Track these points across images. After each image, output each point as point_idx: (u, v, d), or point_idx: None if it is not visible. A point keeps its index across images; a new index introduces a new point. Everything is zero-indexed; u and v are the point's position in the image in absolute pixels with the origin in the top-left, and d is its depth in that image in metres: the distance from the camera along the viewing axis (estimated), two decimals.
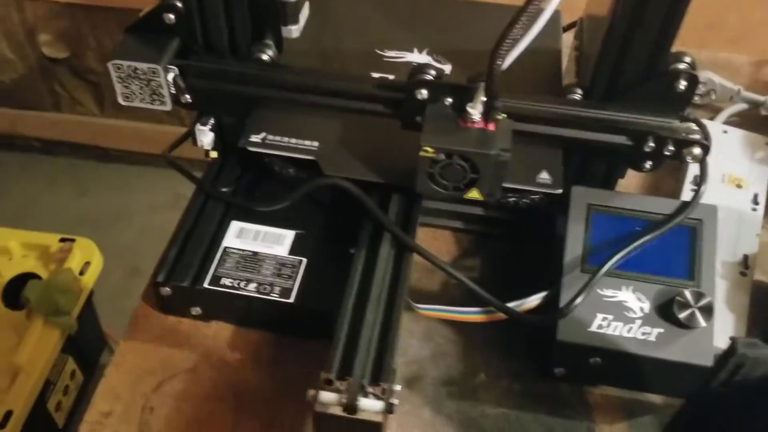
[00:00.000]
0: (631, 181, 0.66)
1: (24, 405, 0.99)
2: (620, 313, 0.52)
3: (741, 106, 0.74)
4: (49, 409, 1.08)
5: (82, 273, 1.17)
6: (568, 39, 0.66)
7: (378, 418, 0.45)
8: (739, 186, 0.65)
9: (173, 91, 0.55)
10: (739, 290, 0.59)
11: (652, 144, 0.52)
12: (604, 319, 0.51)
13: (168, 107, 0.55)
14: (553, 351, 0.52)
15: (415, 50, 0.65)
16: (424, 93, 0.52)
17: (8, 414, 0.96)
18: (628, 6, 0.48)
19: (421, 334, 0.57)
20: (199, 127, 0.59)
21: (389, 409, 0.45)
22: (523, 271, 0.59)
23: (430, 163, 0.51)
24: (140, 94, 0.55)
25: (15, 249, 1.18)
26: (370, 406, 0.45)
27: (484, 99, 0.50)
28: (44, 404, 1.05)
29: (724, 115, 0.73)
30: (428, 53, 0.65)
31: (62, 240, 1.20)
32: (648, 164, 0.55)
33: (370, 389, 0.46)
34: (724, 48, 0.89)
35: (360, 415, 0.44)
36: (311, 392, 0.46)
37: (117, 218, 1.65)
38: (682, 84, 0.51)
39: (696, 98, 0.75)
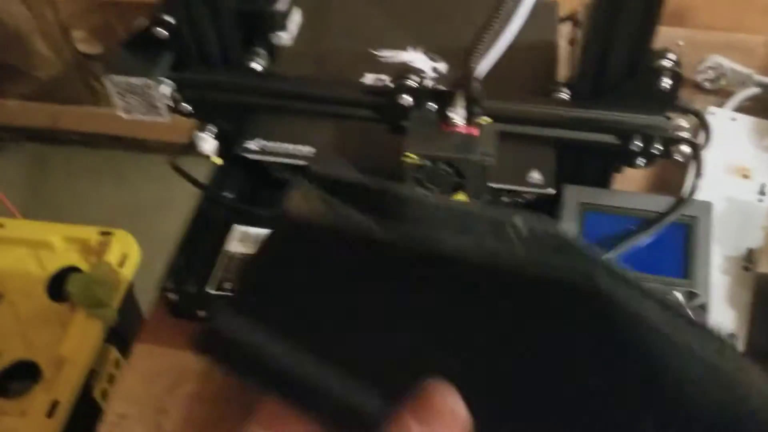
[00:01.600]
0: (637, 173, 0.65)
1: (70, 394, 1.03)
2: None
3: (754, 91, 0.72)
4: (95, 397, 1.12)
5: (120, 265, 1.21)
6: (566, 31, 0.65)
7: None
8: (745, 176, 0.64)
9: (170, 104, 0.57)
10: (741, 286, 0.58)
11: (638, 143, 0.52)
12: None
13: (166, 119, 0.57)
14: None
15: (410, 48, 0.65)
16: (407, 98, 0.53)
17: (55, 403, 1.00)
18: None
19: None
20: (198, 134, 0.61)
21: None
22: None
23: (416, 169, 0.52)
24: (138, 107, 0.57)
25: (57, 243, 1.23)
26: None
27: (465, 103, 0.51)
28: (90, 393, 1.09)
29: (734, 101, 0.71)
30: (423, 51, 0.65)
31: (101, 233, 1.24)
32: (640, 161, 0.54)
33: None
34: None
35: None
36: None
37: (158, 207, 1.70)
38: (666, 82, 0.50)
39: (706, 84, 0.73)
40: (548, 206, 0.57)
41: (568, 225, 0.54)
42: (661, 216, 0.54)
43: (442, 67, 0.63)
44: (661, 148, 0.52)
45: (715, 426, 0.23)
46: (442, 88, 0.52)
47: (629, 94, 0.51)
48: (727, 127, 0.67)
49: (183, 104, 0.58)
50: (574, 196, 0.55)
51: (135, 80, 0.55)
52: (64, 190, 1.76)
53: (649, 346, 0.23)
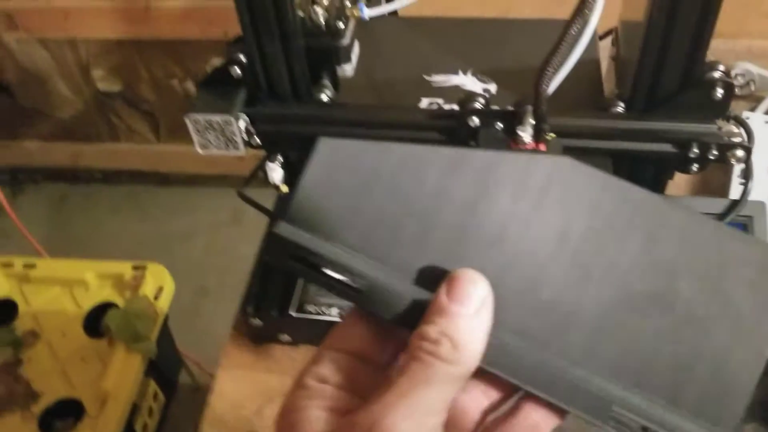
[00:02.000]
0: (680, 177, 0.68)
1: (114, 429, 1.05)
2: None
3: None
4: (137, 431, 1.14)
5: (156, 298, 1.23)
6: (604, 46, 0.69)
7: None
8: None
9: (245, 137, 0.60)
10: None
11: (696, 150, 0.55)
12: None
13: (241, 152, 0.60)
14: None
15: (460, 72, 0.69)
16: (475, 120, 0.56)
17: None
18: (662, 14, 0.51)
19: None
20: (269, 165, 0.64)
21: None
22: None
23: None
24: (215, 142, 0.60)
25: (91, 280, 1.25)
26: None
27: (533, 121, 0.54)
28: (132, 427, 1.11)
29: (765, 105, 0.74)
30: (473, 74, 0.69)
31: (135, 267, 1.26)
32: (695, 167, 0.58)
33: None
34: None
35: None
36: None
37: (181, 239, 1.73)
38: (719, 92, 0.54)
39: (737, 90, 0.77)
40: None
41: None
42: (719, 217, 0.57)
43: (493, 88, 0.66)
44: (717, 153, 0.55)
45: None
46: (509, 108, 0.55)
47: (684, 105, 0.55)
48: (763, 131, 0.71)
49: (254, 137, 0.61)
50: None
51: (215, 117, 0.58)
52: (87, 228, 1.79)
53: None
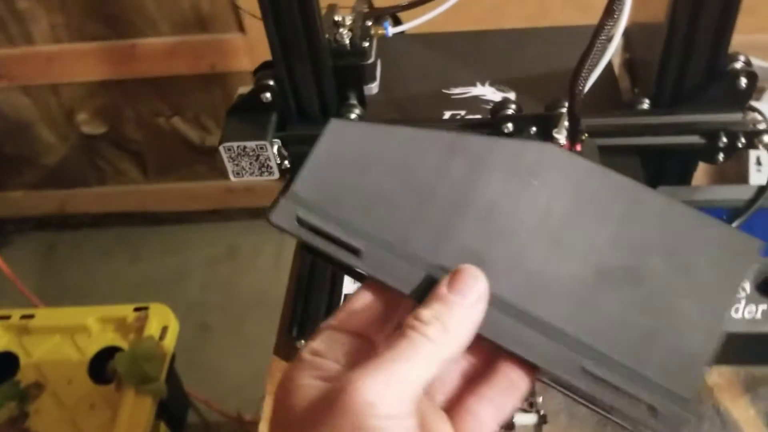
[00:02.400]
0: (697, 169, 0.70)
1: None
2: None
3: None
4: None
5: (161, 338, 1.22)
6: None
7: (537, 430, 0.49)
8: None
9: (279, 161, 0.60)
10: None
11: (725, 139, 0.57)
12: None
13: (276, 176, 0.60)
14: None
15: (478, 84, 0.70)
16: (509, 126, 0.57)
17: None
18: (685, 12, 0.53)
19: None
20: None
21: (543, 420, 0.50)
22: None
23: None
24: (249, 168, 0.60)
25: (92, 325, 1.23)
26: (525, 420, 0.49)
27: (567, 123, 0.55)
28: None
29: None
30: (490, 84, 0.70)
31: (137, 309, 1.25)
32: (721, 156, 0.59)
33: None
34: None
35: (520, 431, 0.49)
36: None
37: (176, 279, 1.71)
38: (743, 82, 0.55)
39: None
40: None
41: None
42: (751, 203, 0.58)
43: (512, 96, 0.68)
44: (744, 141, 0.57)
45: None
46: (542, 113, 0.56)
47: (709, 97, 0.57)
48: None
49: (285, 161, 0.61)
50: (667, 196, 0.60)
51: (250, 144, 0.58)
52: (79, 275, 1.76)
53: None
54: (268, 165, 0.60)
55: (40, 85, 1.54)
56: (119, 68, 1.49)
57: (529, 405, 0.50)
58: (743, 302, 0.55)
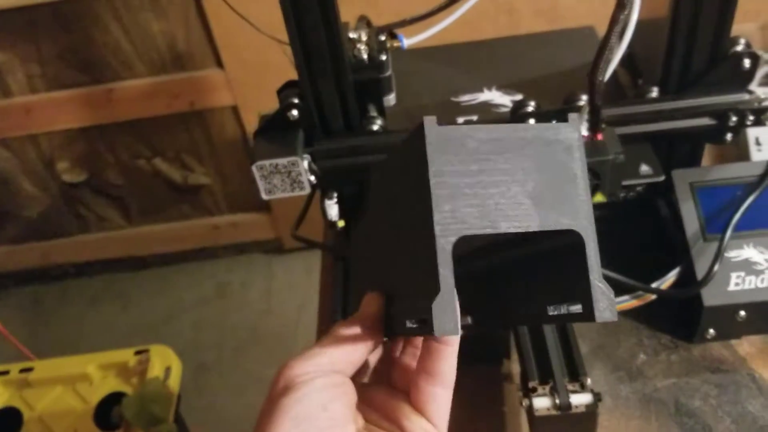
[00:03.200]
0: None
1: None
2: (749, 268, 0.58)
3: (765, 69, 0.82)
4: None
5: (166, 378, 1.21)
6: None
7: (594, 409, 0.51)
8: None
9: (310, 177, 0.61)
10: None
11: (734, 118, 0.60)
12: (738, 277, 0.58)
13: (307, 191, 0.62)
14: (702, 317, 0.59)
15: (485, 89, 0.72)
16: (532, 122, 0.59)
17: None
18: (688, 5, 0.56)
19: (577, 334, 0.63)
20: (327, 202, 0.65)
21: (598, 397, 0.51)
22: (629, 259, 0.62)
23: None
24: (281, 185, 0.61)
25: (93, 372, 1.21)
26: (581, 400, 0.51)
27: (587, 115, 0.58)
28: None
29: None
30: (497, 89, 0.72)
31: (137, 352, 1.23)
32: (728, 136, 0.62)
33: (570, 386, 0.52)
34: None
35: (576, 410, 0.50)
36: (525, 402, 0.52)
37: (168, 320, 1.69)
38: (747, 63, 0.59)
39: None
40: (655, 193, 0.64)
41: (686, 204, 0.61)
42: (763, 176, 0.61)
43: (519, 97, 0.70)
44: (753, 118, 0.60)
45: None
46: (561, 107, 0.59)
47: (715, 80, 0.60)
48: None
49: (313, 176, 0.62)
50: (683, 178, 0.63)
51: (282, 161, 0.59)
52: (67, 326, 1.73)
53: None
54: (299, 180, 0.61)
55: (18, 137, 1.53)
56: (97, 113, 1.48)
57: (581, 386, 0.52)
58: None
